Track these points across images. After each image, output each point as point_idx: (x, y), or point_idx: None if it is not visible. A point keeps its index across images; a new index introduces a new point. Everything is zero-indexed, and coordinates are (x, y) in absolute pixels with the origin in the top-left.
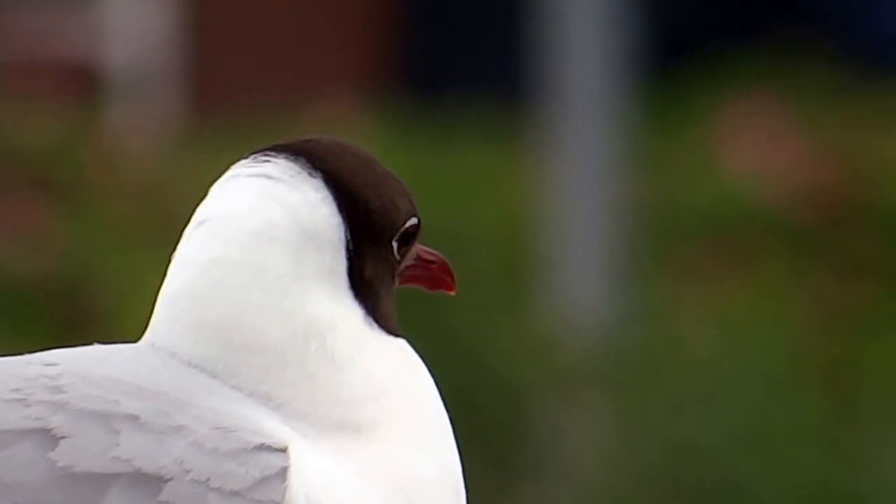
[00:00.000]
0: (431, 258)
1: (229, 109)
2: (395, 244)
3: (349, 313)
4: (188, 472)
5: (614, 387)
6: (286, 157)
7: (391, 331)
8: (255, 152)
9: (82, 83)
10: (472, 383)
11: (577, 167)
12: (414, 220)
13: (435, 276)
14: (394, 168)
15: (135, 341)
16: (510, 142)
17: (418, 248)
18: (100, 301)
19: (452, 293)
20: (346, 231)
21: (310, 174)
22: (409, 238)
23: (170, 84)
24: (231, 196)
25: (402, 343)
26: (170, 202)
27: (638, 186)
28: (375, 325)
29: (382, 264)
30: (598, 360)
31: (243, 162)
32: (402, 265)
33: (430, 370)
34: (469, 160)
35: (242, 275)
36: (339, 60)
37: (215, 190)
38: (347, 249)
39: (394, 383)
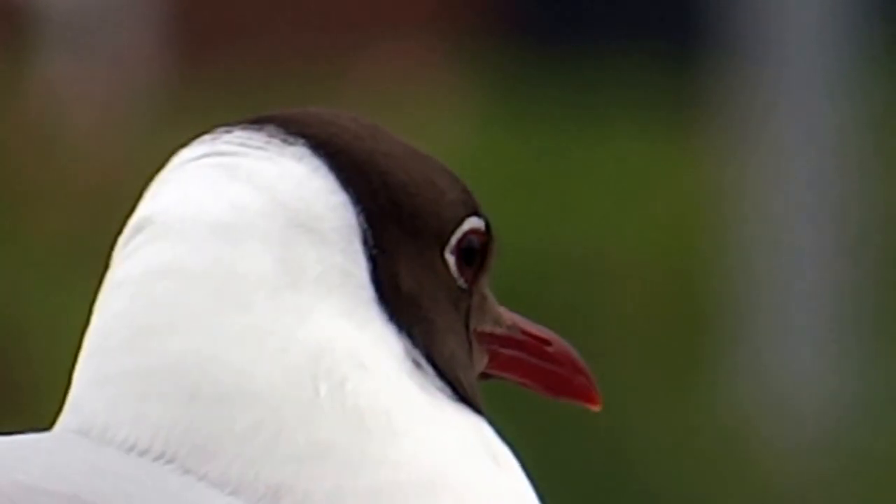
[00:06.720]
0: (539, 336)
1: (232, 61)
2: (450, 257)
3: (381, 342)
4: None
5: None
6: (245, 128)
7: (464, 395)
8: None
9: (8, 27)
10: (619, 498)
11: (789, 160)
12: (476, 222)
13: (550, 372)
14: (497, 157)
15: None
16: (681, 121)
17: (513, 315)
18: (27, 364)
19: (594, 407)
20: (359, 215)
21: (284, 141)
22: (471, 253)
23: (143, 26)
24: (177, 187)
25: (478, 421)
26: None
27: (885, 190)
28: (430, 372)
29: (431, 277)
30: (820, 468)
31: (192, 144)
32: (481, 318)
33: (536, 475)
34: (615, 147)
35: (203, 288)
36: None
37: (155, 185)
38: (366, 243)
39: (456, 478)
